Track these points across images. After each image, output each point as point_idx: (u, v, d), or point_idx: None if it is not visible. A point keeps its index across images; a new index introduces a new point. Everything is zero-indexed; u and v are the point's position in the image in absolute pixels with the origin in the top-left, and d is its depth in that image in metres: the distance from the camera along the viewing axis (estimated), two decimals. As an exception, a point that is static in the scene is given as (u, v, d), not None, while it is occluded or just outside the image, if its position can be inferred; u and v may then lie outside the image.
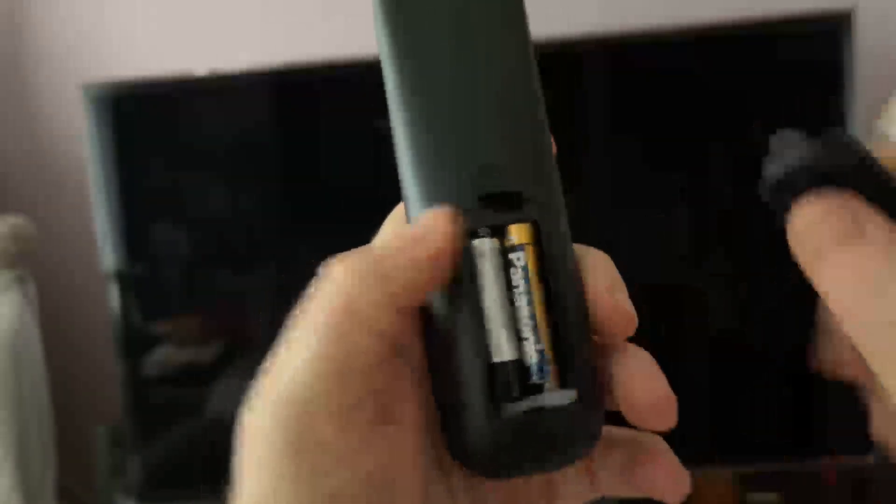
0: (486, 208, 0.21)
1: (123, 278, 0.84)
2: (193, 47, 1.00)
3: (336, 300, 0.20)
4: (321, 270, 0.21)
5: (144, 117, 0.83)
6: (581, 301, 0.21)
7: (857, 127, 0.75)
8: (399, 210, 0.24)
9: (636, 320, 0.21)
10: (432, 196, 0.21)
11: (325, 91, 0.81)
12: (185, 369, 0.86)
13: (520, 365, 0.20)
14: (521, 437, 0.19)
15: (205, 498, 0.87)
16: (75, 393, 1.03)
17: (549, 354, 0.20)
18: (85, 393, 1.05)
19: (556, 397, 0.20)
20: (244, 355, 0.86)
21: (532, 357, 0.20)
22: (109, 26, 1.01)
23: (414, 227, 0.20)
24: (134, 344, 0.85)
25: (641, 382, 0.20)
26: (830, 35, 0.74)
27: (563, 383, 0.20)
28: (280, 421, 0.18)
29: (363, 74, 0.80)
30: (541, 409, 0.20)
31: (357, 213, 0.84)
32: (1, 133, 1.04)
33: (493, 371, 0.20)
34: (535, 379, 0.20)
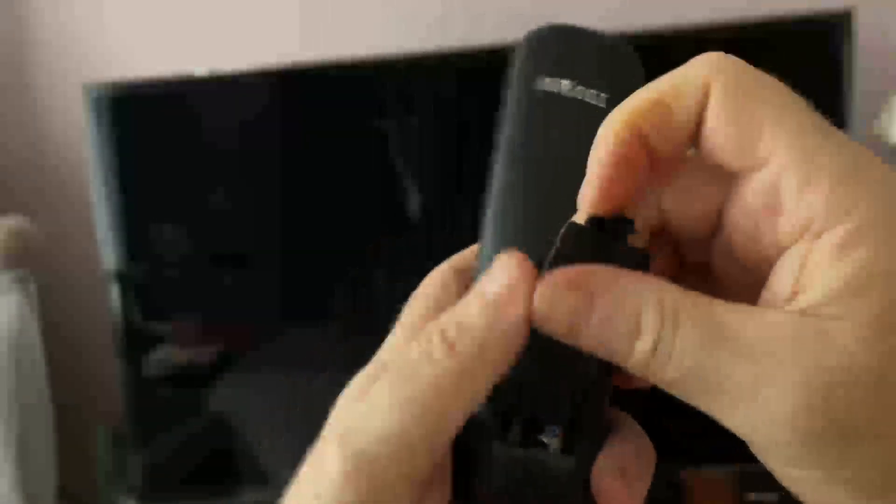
0: None
1: (124, 278, 0.84)
2: (194, 48, 1.00)
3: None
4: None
5: (145, 118, 0.84)
6: (604, 375, 0.20)
7: (857, 127, 0.75)
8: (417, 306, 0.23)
9: None
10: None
11: (326, 91, 0.81)
12: (186, 369, 0.86)
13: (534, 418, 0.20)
14: (515, 480, 0.20)
15: (205, 498, 0.87)
16: (76, 393, 1.03)
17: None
18: (86, 393, 1.05)
19: (556, 459, 0.20)
20: (244, 356, 0.87)
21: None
22: (110, 27, 1.01)
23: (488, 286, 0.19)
24: (135, 344, 0.85)
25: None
26: (830, 35, 0.75)
27: (565, 448, 0.20)
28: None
29: (364, 74, 0.80)
30: (540, 463, 0.20)
31: (357, 213, 0.84)
32: (2, 133, 1.04)
33: (509, 414, 0.20)
34: (543, 437, 0.20)
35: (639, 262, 0.19)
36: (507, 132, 0.22)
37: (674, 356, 0.17)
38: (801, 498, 0.17)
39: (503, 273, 0.18)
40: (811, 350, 0.15)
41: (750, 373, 0.16)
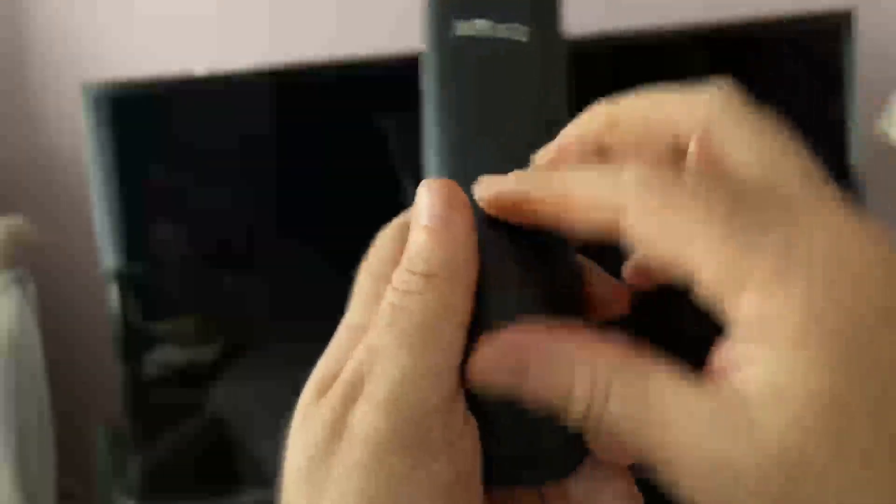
0: None
1: (123, 278, 0.84)
2: (193, 47, 1.00)
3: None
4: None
5: (144, 117, 0.84)
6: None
7: (857, 127, 0.75)
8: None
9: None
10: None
11: (326, 91, 0.81)
12: (186, 369, 0.86)
13: None
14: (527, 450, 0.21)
15: (205, 498, 0.87)
16: (75, 393, 1.03)
17: None
18: (85, 393, 1.05)
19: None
20: (244, 355, 0.87)
21: None
22: (109, 26, 1.01)
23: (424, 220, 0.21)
24: (134, 344, 0.85)
25: None
26: (830, 35, 0.75)
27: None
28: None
29: (363, 74, 0.80)
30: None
31: (357, 213, 0.84)
32: (1, 133, 1.04)
33: None
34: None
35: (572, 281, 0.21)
36: (429, 86, 0.22)
37: (604, 422, 0.18)
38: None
39: (429, 197, 0.20)
40: (725, 441, 0.16)
41: (670, 451, 0.17)
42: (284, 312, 0.87)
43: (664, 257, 0.17)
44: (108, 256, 0.83)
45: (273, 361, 0.86)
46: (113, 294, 0.84)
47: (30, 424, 0.85)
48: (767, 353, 0.16)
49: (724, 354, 0.18)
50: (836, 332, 0.15)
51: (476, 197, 0.21)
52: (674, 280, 0.18)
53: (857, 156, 0.76)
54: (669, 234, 0.17)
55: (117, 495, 0.92)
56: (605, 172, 0.18)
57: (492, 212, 0.21)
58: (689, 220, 0.16)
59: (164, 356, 0.86)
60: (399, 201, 0.86)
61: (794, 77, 0.78)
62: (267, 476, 0.87)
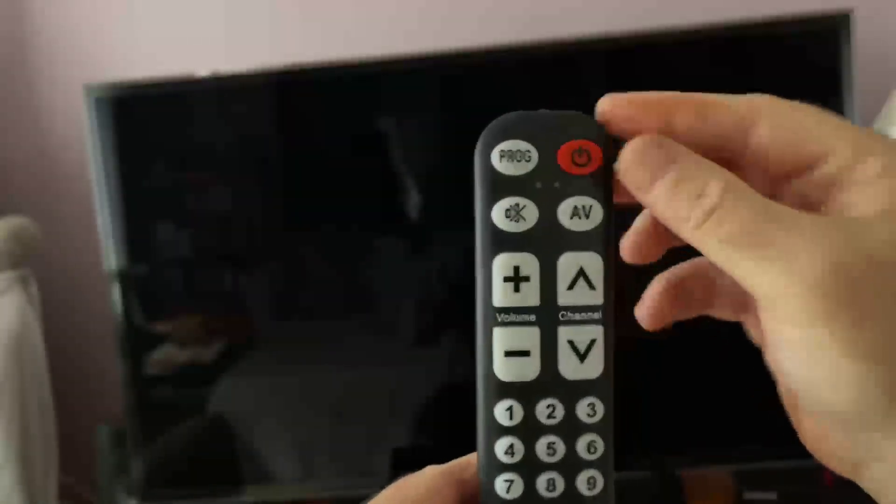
0: None
1: (125, 278, 0.84)
2: (195, 49, 1.00)
3: None
4: None
5: (146, 118, 0.84)
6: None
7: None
8: None
9: None
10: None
11: (327, 92, 0.81)
12: (187, 369, 0.87)
13: None
14: None
15: (205, 497, 0.87)
16: (78, 392, 1.04)
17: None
18: (87, 392, 1.05)
19: None
20: (245, 355, 0.87)
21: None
22: (112, 28, 1.01)
23: None
24: (136, 343, 0.85)
25: None
26: (829, 36, 0.75)
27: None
28: None
29: (364, 76, 0.80)
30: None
31: (357, 213, 0.84)
32: (4, 134, 1.04)
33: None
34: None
35: None
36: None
37: (728, 219, 0.20)
38: (788, 363, 0.20)
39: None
40: (848, 234, 0.19)
41: (792, 241, 0.19)
42: (284, 312, 0.88)
43: (798, 144, 0.21)
44: (110, 256, 0.83)
45: (273, 361, 0.87)
46: (115, 294, 0.84)
47: (32, 423, 0.85)
48: (886, 193, 0.19)
49: (840, 201, 0.21)
50: None
51: (604, 108, 0.22)
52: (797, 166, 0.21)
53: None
54: (803, 125, 0.21)
55: (119, 493, 0.92)
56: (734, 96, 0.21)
57: (618, 120, 0.22)
58: (818, 118, 0.21)
59: (165, 355, 0.86)
60: (399, 202, 0.86)
61: (792, 78, 0.78)
62: (267, 475, 0.87)
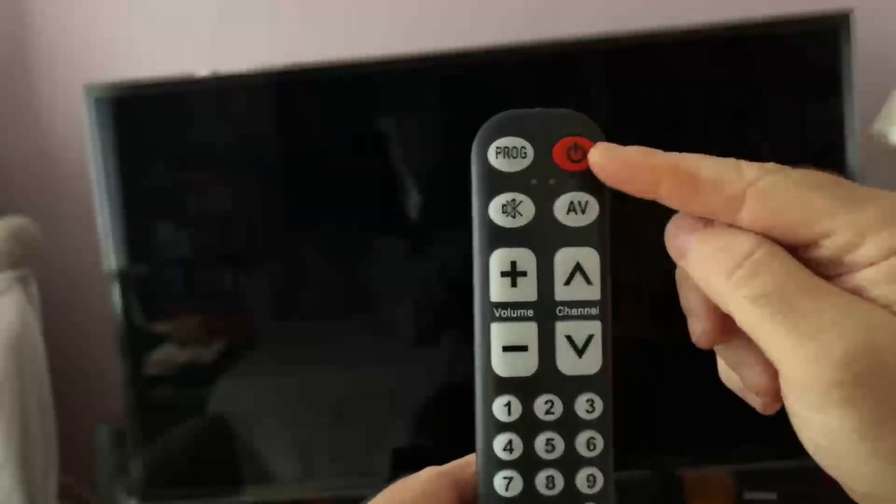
0: None
1: (125, 278, 0.84)
2: (195, 48, 1.00)
3: None
4: None
5: (146, 118, 0.84)
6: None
7: (855, 127, 0.76)
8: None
9: None
10: None
11: (326, 92, 0.81)
12: (187, 369, 0.87)
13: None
14: None
15: (205, 497, 0.87)
16: (77, 392, 1.04)
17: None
18: (87, 392, 1.05)
19: None
20: (245, 355, 0.87)
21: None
22: (112, 28, 1.01)
23: None
24: (136, 343, 0.85)
25: None
26: (829, 36, 0.75)
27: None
28: None
29: (364, 76, 0.80)
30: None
31: (357, 213, 0.84)
32: (4, 134, 1.04)
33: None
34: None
35: None
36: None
37: (762, 272, 0.19)
38: (811, 446, 0.19)
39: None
40: (872, 316, 0.18)
41: (823, 316, 0.18)
42: (284, 312, 0.88)
43: (790, 228, 0.20)
44: (110, 256, 0.83)
45: (273, 361, 0.87)
46: (115, 294, 0.84)
47: (32, 423, 0.85)
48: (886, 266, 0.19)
49: (849, 283, 0.20)
50: None
51: (595, 160, 0.22)
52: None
53: (856, 156, 0.76)
54: (796, 207, 0.20)
55: (119, 493, 0.92)
56: (726, 161, 0.21)
57: (607, 176, 0.22)
58: (813, 197, 0.20)
59: (165, 355, 0.86)
60: (400, 202, 0.86)
61: (792, 78, 0.78)
62: (267, 475, 0.87)
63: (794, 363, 0.18)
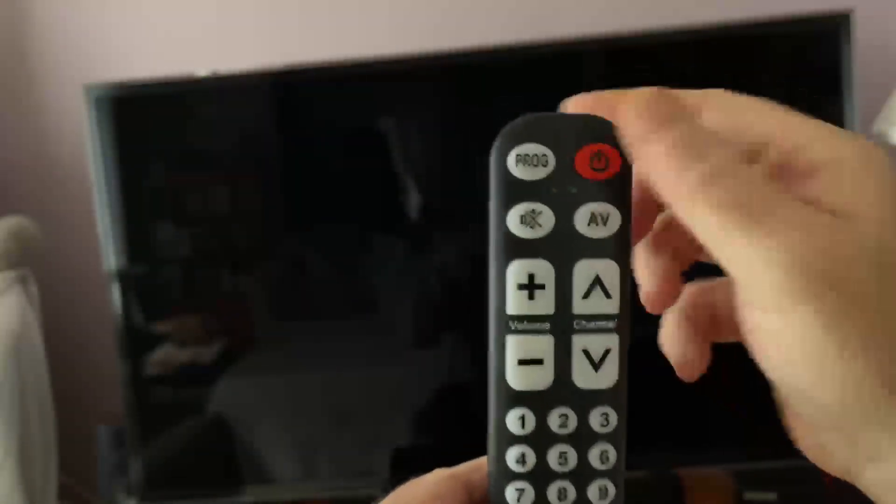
0: None
1: (125, 278, 0.84)
2: (195, 49, 1.00)
3: None
4: None
5: (146, 118, 0.84)
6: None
7: (855, 127, 0.76)
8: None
9: None
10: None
11: (326, 92, 0.81)
12: (187, 369, 0.87)
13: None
14: None
15: (205, 497, 0.87)
16: (77, 392, 1.04)
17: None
18: (87, 392, 1.05)
19: None
20: (245, 355, 0.87)
21: None
22: (112, 28, 1.01)
23: None
24: (135, 343, 0.85)
25: None
26: (829, 36, 0.75)
27: None
28: None
29: (364, 76, 0.80)
30: None
31: (357, 213, 0.84)
32: (4, 134, 1.04)
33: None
34: None
35: None
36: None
37: (724, 185, 0.19)
38: (774, 360, 0.19)
39: None
40: (831, 220, 0.18)
41: (787, 219, 0.18)
42: (284, 312, 0.88)
43: (742, 130, 0.20)
44: (109, 256, 0.83)
45: (273, 361, 0.87)
46: (115, 294, 0.84)
47: (32, 423, 0.85)
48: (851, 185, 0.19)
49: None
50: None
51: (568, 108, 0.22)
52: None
53: (856, 156, 0.76)
54: (749, 112, 0.21)
55: (118, 494, 0.92)
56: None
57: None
58: (766, 108, 0.21)
59: (166, 356, 0.86)
60: (399, 202, 0.86)
61: (792, 78, 0.78)
62: (267, 475, 0.87)
63: (757, 265, 0.18)
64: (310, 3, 0.98)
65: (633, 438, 0.23)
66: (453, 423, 0.85)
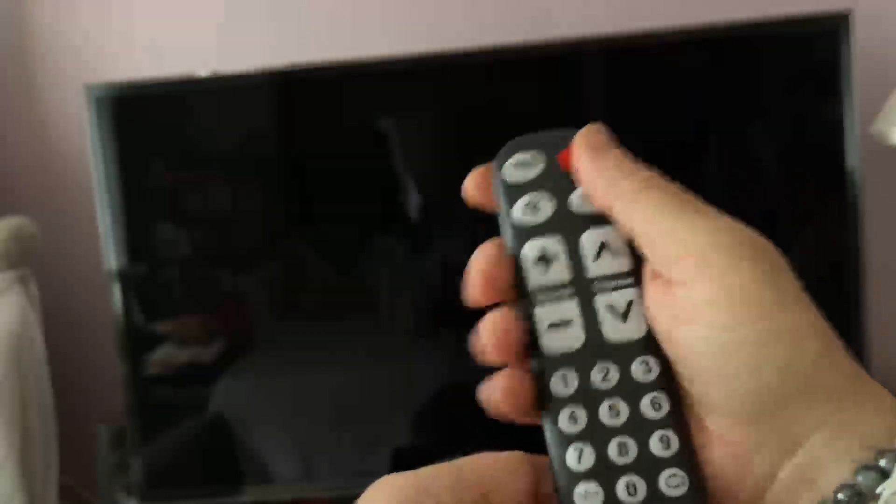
0: None
1: (125, 278, 0.84)
2: (195, 49, 1.00)
3: None
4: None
5: (147, 118, 0.84)
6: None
7: (855, 127, 0.76)
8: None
9: None
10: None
11: (326, 92, 0.82)
12: (187, 369, 0.87)
13: None
14: None
15: (205, 497, 0.87)
16: (78, 392, 1.04)
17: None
18: (87, 392, 1.05)
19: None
20: (245, 355, 0.87)
21: None
22: (112, 28, 1.01)
23: None
24: (136, 343, 0.85)
25: None
26: (829, 36, 0.75)
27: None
28: None
29: (364, 76, 0.80)
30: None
31: (357, 213, 0.84)
32: (5, 134, 1.04)
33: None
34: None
35: None
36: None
37: (661, 189, 0.23)
38: (694, 337, 0.21)
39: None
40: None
41: (706, 212, 0.23)
42: (284, 312, 0.88)
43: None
44: (109, 256, 0.83)
45: (273, 361, 0.87)
46: (115, 294, 0.84)
47: (32, 423, 0.85)
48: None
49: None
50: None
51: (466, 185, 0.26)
52: None
53: (856, 156, 0.76)
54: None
55: (119, 494, 0.93)
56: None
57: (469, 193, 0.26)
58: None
59: (166, 356, 0.86)
60: (399, 202, 0.86)
61: (792, 78, 0.78)
62: (267, 475, 0.87)
63: (675, 238, 0.22)
64: (310, 4, 0.98)
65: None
66: (453, 423, 0.85)
